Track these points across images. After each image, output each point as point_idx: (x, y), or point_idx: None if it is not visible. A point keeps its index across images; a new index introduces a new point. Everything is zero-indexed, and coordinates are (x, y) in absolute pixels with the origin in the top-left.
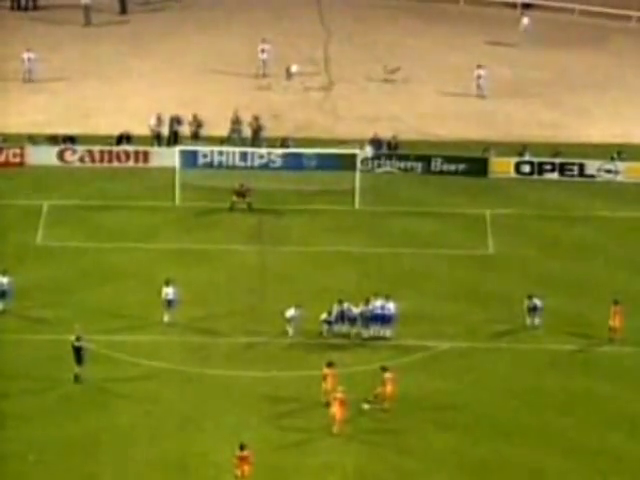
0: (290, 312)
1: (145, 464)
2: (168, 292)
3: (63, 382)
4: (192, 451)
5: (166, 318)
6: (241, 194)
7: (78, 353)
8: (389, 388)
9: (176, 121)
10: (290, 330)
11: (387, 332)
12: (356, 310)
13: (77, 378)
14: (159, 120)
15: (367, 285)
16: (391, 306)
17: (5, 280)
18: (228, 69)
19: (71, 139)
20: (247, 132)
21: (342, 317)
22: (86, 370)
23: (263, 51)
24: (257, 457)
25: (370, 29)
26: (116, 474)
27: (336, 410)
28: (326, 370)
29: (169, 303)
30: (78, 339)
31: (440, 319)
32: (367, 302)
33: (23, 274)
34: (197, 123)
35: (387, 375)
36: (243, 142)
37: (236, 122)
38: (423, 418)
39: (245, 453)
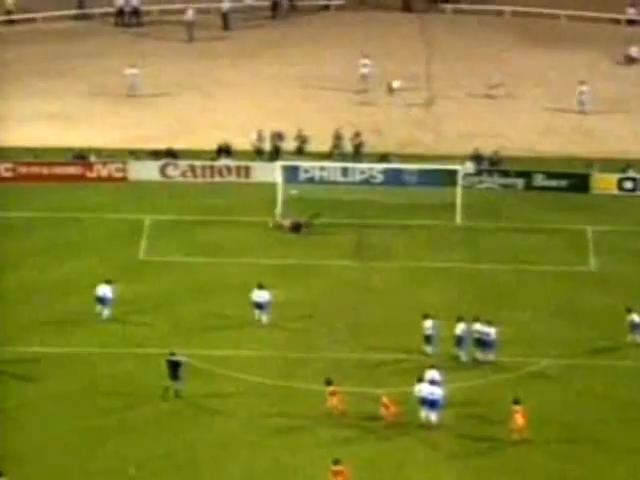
0: (428, 325)
1: (243, 479)
2: (260, 295)
3: (156, 398)
4: (288, 465)
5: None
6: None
7: (174, 368)
8: (519, 421)
9: (277, 136)
10: (429, 349)
11: (489, 356)
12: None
13: (175, 392)
14: (260, 135)
15: (467, 302)
16: (492, 331)
17: (108, 288)
18: (329, 84)
19: (172, 154)
20: (348, 148)
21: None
22: (183, 385)
23: (364, 65)
24: (354, 474)
25: (471, 45)
26: None
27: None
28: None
29: (260, 306)
30: (172, 354)
31: (540, 336)
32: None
33: (126, 288)
34: (302, 139)
35: (516, 408)
36: (344, 158)
37: (337, 138)
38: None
39: (339, 468)
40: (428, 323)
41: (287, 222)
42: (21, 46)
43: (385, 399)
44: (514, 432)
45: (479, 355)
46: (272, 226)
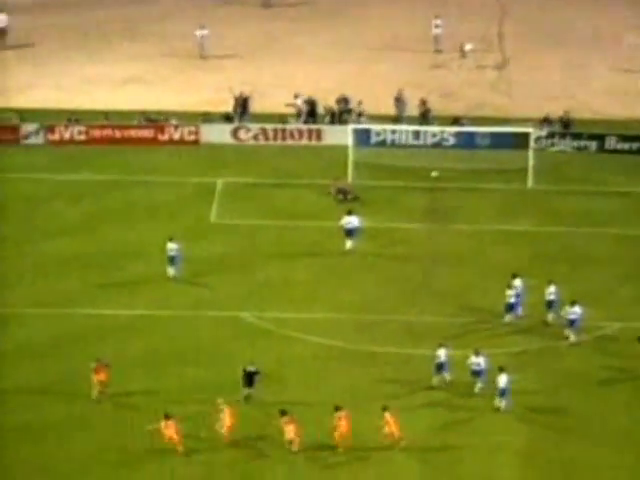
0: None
1: (315, 437)
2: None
3: (236, 359)
4: (355, 427)
5: None
6: (342, 192)
7: (250, 378)
8: None
9: (343, 101)
10: (507, 318)
11: (572, 336)
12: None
13: (247, 399)
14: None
15: (539, 265)
16: (578, 310)
17: (174, 246)
18: (402, 46)
19: (242, 113)
20: (411, 111)
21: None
22: (255, 392)
23: (437, 26)
24: (428, 437)
25: (544, 7)
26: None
27: None
28: None
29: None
30: (252, 364)
31: (613, 299)
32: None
33: (197, 250)
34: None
35: None
36: (405, 121)
37: (398, 100)
38: (588, 395)
39: (342, 413)
40: (518, 281)
41: (337, 187)
42: (89, 10)
43: (388, 416)
44: None
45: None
46: (333, 191)
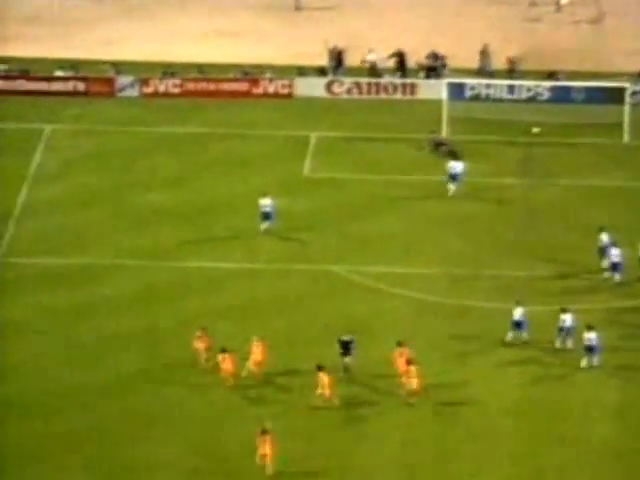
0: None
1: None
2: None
3: (325, 314)
4: (449, 382)
5: None
6: (440, 144)
7: (346, 347)
8: None
9: (434, 57)
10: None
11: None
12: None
13: (346, 370)
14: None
15: (636, 220)
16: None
17: (268, 202)
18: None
19: (337, 66)
20: (494, 65)
21: None
22: (354, 361)
23: None
24: (519, 391)
25: None
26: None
27: None
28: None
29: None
30: (346, 334)
31: None
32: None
33: (290, 204)
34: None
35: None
36: (490, 76)
37: (483, 54)
38: None
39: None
40: (604, 236)
41: (433, 140)
42: None
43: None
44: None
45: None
46: (429, 144)
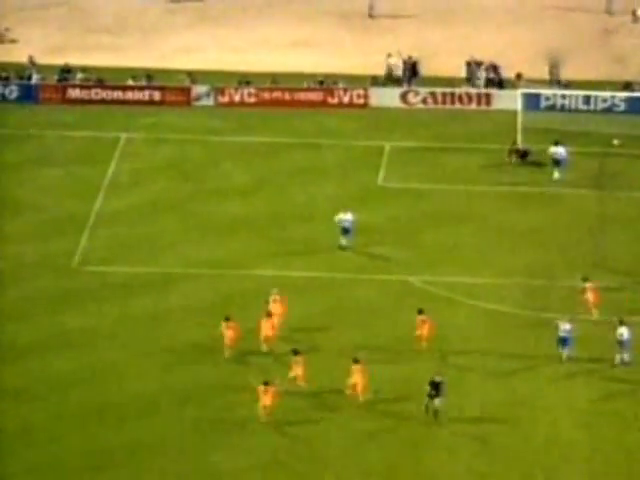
0: None
1: (481, 404)
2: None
3: (400, 324)
4: (521, 394)
5: None
6: (523, 154)
7: (437, 387)
8: None
9: (492, 68)
10: None
11: None
12: None
13: (433, 412)
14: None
15: None
16: None
17: (348, 217)
18: (573, 5)
19: (411, 76)
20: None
21: None
22: (443, 403)
23: None
24: (590, 405)
25: None
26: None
27: None
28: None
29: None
30: (438, 374)
31: None
32: None
33: (364, 214)
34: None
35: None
36: (558, 85)
37: (552, 65)
38: None
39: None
40: None
41: (516, 149)
42: None
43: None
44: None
45: None
46: (509, 155)
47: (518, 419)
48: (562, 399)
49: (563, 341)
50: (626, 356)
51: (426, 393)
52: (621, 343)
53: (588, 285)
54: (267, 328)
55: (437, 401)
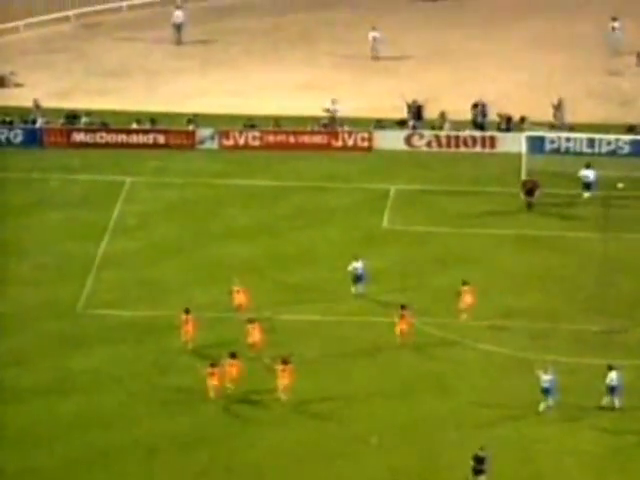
0: None
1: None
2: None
3: (403, 366)
4: (528, 437)
5: None
6: (532, 191)
7: (481, 462)
8: None
9: (481, 106)
10: None
11: None
12: None
13: None
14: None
15: None
16: None
17: (359, 265)
18: (578, 45)
19: (416, 120)
20: (568, 118)
21: None
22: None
23: (613, 29)
24: (598, 446)
25: None
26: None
27: None
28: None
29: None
30: (482, 449)
31: None
32: None
33: (370, 257)
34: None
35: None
36: (562, 129)
37: (557, 108)
38: None
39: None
40: None
41: (528, 187)
42: (263, 16)
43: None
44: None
45: None
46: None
47: (521, 462)
48: (569, 442)
49: (546, 391)
50: (617, 401)
51: (470, 467)
52: (612, 389)
53: (466, 288)
54: (254, 334)
55: (482, 478)
